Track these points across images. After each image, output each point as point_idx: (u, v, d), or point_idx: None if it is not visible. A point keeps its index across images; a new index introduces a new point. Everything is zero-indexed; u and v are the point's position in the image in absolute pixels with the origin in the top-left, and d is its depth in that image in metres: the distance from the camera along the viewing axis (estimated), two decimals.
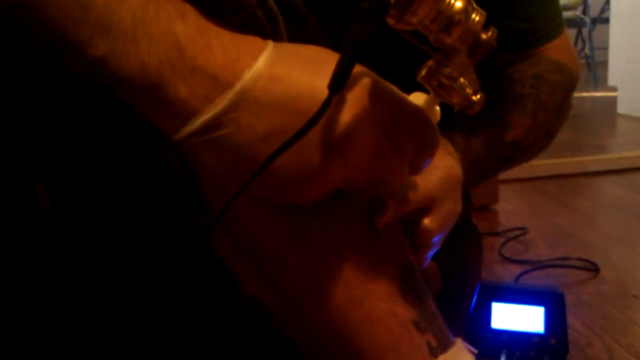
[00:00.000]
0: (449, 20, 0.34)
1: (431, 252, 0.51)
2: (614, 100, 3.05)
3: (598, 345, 0.90)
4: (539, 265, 1.19)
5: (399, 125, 0.36)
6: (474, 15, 0.34)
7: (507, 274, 1.17)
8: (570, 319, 0.96)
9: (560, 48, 0.73)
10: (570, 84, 0.71)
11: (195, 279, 0.53)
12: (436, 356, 0.40)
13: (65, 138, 0.48)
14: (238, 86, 0.33)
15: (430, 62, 0.38)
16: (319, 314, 0.40)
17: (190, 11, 0.34)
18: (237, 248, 0.43)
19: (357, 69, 0.35)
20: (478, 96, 0.39)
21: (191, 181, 0.43)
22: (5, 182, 0.48)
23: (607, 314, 0.99)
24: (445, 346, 0.41)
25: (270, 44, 0.35)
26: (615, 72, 3.07)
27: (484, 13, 0.35)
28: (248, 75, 0.33)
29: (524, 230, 1.38)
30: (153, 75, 0.32)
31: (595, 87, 3.91)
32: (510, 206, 1.57)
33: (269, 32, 0.41)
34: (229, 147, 0.34)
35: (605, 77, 3.26)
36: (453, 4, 0.33)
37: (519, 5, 0.71)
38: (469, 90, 0.39)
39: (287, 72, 0.34)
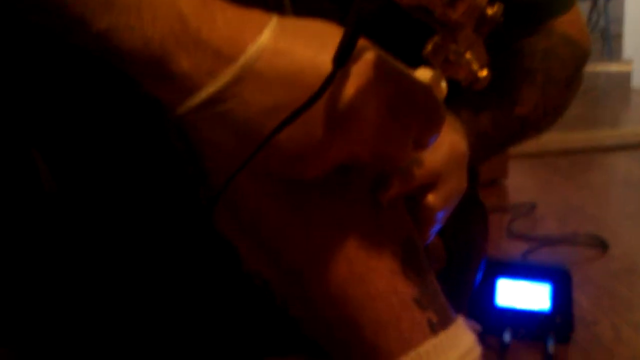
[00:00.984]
0: None
1: (435, 229, 0.51)
2: (628, 74, 3.00)
3: (604, 323, 0.89)
4: (546, 242, 1.19)
5: (404, 100, 0.36)
6: None
7: (514, 250, 1.17)
8: (577, 296, 0.96)
9: (571, 22, 0.71)
10: (581, 58, 0.70)
11: (196, 253, 0.53)
12: (437, 333, 0.40)
13: (66, 112, 0.48)
14: (242, 60, 0.33)
15: (436, 38, 0.37)
16: (320, 290, 0.41)
17: None
18: (238, 223, 0.43)
19: (362, 43, 0.34)
20: (484, 72, 0.38)
21: (193, 156, 0.42)
22: (6, 156, 0.48)
23: (615, 291, 0.99)
24: (446, 323, 0.41)
25: (275, 18, 0.35)
26: (631, 45, 3.02)
27: None
28: (252, 50, 0.33)
29: (532, 206, 1.37)
30: (156, 49, 0.32)
31: (610, 61, 3.85)
32: (519, 181, 1.56)
33: (272, 3, 0.41)
34: (232, 122, 0.34)
35: (619, 50, 3.20)
36: None
37: None
38: (474, 66, 0.38)
39: (291, 46, 0.34)
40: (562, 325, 0.84)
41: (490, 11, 0.34)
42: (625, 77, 3.03)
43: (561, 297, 0.85)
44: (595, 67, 3.71)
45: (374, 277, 0.40)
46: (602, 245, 1.15)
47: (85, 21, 0.31)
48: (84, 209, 0.51)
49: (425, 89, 0.37)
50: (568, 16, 0.71)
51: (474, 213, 0.76)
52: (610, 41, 3.94)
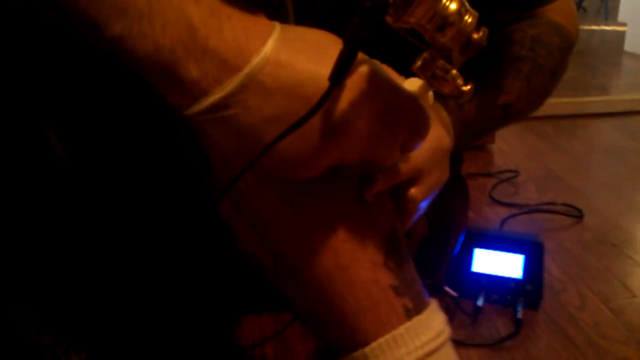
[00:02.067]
0: (444, 21, 0.35)
1: (416, 217, 0.54)
2: (622, 35, 3.00)
3: (572, 292, 0.95)
4: (525, 209, 1.24)
5: (393, 111, 0.39)
6: (466, 17, 0.36)
7: (494, 216, 1.22)
8: (549, 264, 1.02)
9: (561, 9, 0.73)
10: (567, 46, 0.72)
11: (198, 230, 0.57)
12: (411, 317, 0.44)
13: (79, 89, 0.50)
14: (246, 70, 0.35)
15: (425, 54, 0.39)
16: (309, 277, 0.44)
17: None
18: (236, 211, 0.46)
19: (358, 56, 0.36)
20: (468, 86, 0.41)
21: (197, 146, 0.45)
22: (19, 131, 0.50)
23: (585, 261, 1.04)
24: (420, 308, 0.45)
25: (278, 28, 0.37)
26: (626, 7, 3.00)
27: (476, 14, 0.36)
28: (256, 60, 0.35)
29: (515, 173, 1.42)
30: (167, 55, 0.34)
31: (606, 20, 3.83)
32: (505, 147, 1.60)
33: (275, 4, 0.43)
34: (235, 127, 0.36)
35: (616, 14, 3.18)
36: (448, 6, 0.35)
37: None
38: (459, 81, 0.41)
39: (293, 58, 0.36)
40: (532, 292, 0.90)
41: (476, 36, 0.37)
42: (620, 38, 3.03)
43: (533, 267, 0.90)
44: (591, 26, 3.70)
45: (357, 267, 0.44)
46: (577, 215, 1.20)
47: (99, 26, 0.33)
48: (95, 181, 0.54)
49: (413, 100, 0.40)
50: (558, 3, 0.73)
51: (455, 190, 0.80)
52: (607, 2, 3.90)
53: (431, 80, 0.40)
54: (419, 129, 0.41)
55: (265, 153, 0.36)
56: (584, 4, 4.49)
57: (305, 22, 0.43)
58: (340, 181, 0.44)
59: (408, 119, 0.40)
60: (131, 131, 0.54)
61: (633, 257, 1.05)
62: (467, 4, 0.36)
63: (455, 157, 0.66)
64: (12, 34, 0.45)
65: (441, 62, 0.39)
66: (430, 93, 0.45)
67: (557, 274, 1.00)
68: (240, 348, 0.83)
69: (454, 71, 0.40)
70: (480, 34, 0.37)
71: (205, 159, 0.44)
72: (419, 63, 0.40)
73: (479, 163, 1.49)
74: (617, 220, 1.19)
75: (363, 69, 0.37)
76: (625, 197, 1.30)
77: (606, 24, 3.69)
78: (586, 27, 3.71)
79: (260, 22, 0.37)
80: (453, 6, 0.35)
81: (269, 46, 0.35)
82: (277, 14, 0.44)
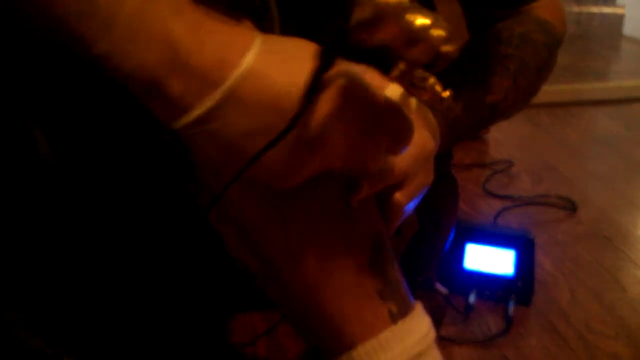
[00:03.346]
0: (410, 36, 0.35)
1: (402, 219, 0.54)
2: (621, 18, 2.98)
3: (563, 287, 0.96)
4: (518, 202, 1.24)
5: (375, 121, 0.39)
6: (433, 31, 0.35)
7: (488, 209, 1.22)
8: (541, 258, 1.02)
9: (549, 7, 0.72)
10: (554, 44, 0.72)
11: (186, 231, 0.57)
12: (396, 322, 0.45)
13: (66, 87, 0.50)
14: (226, 85, 0.35)
15: (400, 65, 0.39)
16: (295, 282, 0.45)
17: (186, 6, 0.36)
18: (222, 215, 0.46)
19: (337, 65, 0.37)
20: (447, 92, 0.40)
21: (184, 154, 0.45)
22: (4, 129, 0.50)
23: (577, 255, 1.04)
24: (405, 312, 0.46)
25: (258, 41, 0.37)
26: None
27: (447, 26, 0.36)
28: (234, 75, 0.35)
29: (509, 163, 1.42)
30: (151, 72, 0.35)
31: (605, 2, 3.79)
32: (500, 136, 1.59)
33: (259, 8, 0.43)
34: (217, 140, 0.37)
35: None
36: (413, 22, 0.35)
37: None
38: (438, 88, 0.40)
39: (271, 71, 0.36)
40: (524, 289, 0.91)
41: (445, 49, 0.36)
42: (618, 21, 3.01)
43: (524, 263, 0.90)
44: (590, 8, 3.67)
45: (342, 272, 0.44)
46: (571, 208, 1.20)
47: (86, 45, 0.33)
48: (82, 181, 0.54)
49: (394, 108, 0.40)
50: (546, 0, 0.72)
51: (445, 188, 0.80)
52: None
53: (409, 88, 0.40)
54: (402, 136, 0.41)
55: (248, 166, 0.37)
56: None
57: (290, 25, 0.44)
58: (325, 187, 0.44)
59: (390, 127, 0.40)
60: (118, 131, 0.54)
61: (625, 251, 1.05)
62: (438, 17, 0.35)
63: (444, 155, 0.66)
64: None
65: (419, 70, 0.39)
66: (413, 100, 0.45)
67: (549, 268, 1.00)
68: (232, 346, 0.84)
69: (432, 79, 0.40)
70: (449, 47, 0.37)
71: (191, 164, 0.44)
72: (395, 73, 0.39)
73: (473, 154, 1.48)
74: (610, 213, 1.19)
75: (339, 81, 0.37)
76: (618, 189, 1.30)
77: (606, 6, 3.66)
78: (585, 10, 3.68)
79: (240, 35, 0.37)
80: (419, 21, 0.35)
81: (247, 60, 0.36)
82: (262, 19, 0.43)
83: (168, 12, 0.35)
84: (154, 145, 0.52)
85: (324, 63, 0.35)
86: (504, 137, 1.59)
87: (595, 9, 3.63)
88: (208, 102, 0.35)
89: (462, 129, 0.65)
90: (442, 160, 0.64)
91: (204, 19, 0.36)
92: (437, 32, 0.35)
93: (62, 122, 0.52)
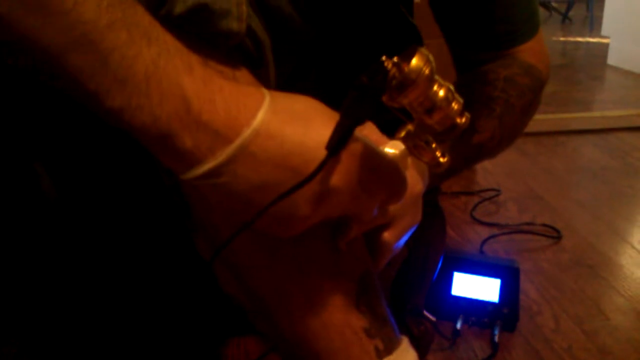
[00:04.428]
0: (433, 105, 0.38)
1: (390, 258, 0.57)
2: (606, 48, 3.05)
3: (547, 314, 0.99)
4: (505, 230, 1.27)
5: (374, 177, 0.42)
6: (454, 104, 0.39)
7: (475, 236, 1.25)
8: (526, 286, 1.05)
9: (533, 50, 0.76)
10: (538, 86, 0.75)
11: (181, 270, 0.59)
12: (382, 358, 0.47)
13: (67, 123, 0.52)
14: (237, 142, 0.37)
15: (409, 127, 0.43)
16: (284, 320, 0.47)
17: (196, 63, 0.38)
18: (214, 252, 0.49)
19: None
20: (445, 158, 0.44)
21: (179, 192, 0.48)
22: (7, 164, 0.52)
23: (561, 283, 1.08)
24: (391, 349, 0.48)
25: (267, 99, 0.39)
26: (610, 20, 3.06)
27: (462, 101, 0.39)
28: (247, 133, 0.37)
29: (497, 191, 1.46)
30: (163, 126, 0.36)
31: (591, 31, 3.89)
32: (488, 164, 1.64)
33: (255, 57, 0.46)
34: (226, 193, 0.39)
35: (600, 28, 3.24)
36: (438, 92, 0.38)
37: (500, 8, 0.74)
38: (438, 153, 0.44)
39: (281, 130, 0.38)
40: (509, 315, 0.94)
41: (459, 121, 0.40)
42: (604, 51, 3.08)
43: (509, 291, 0.94)
44: (576, 38, 3.76)
45: (330, 311, 0.46)
46: (555, 236, 1.24)
47: (99, 98, 0.35)
48: (84, 216, 0.57)
49: (394, 168, 0.43)
50: (531, 44, 0.77)
51: (433, 219, 0.83)
52: (593, 11, 3.96)
53: (412, 149, 0.43)
54: (396, 193, 0.44)
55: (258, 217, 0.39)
56: (570, 14, 4.55)
57: (283, 69, 0.47)
58: (314, 229, 0.47)
59: (388, 184, 0.43)
60: (120, 170, 0.56)
61: (607, 279, 1.09)
62: (455, 92, 0.39)
63: (432, 189, 0.69)
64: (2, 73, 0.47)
65: (424, 136, 0.42)
66: (409, 159, 0.48)
67: (533, 296, 1.04)
68: None
69: (434, 144, 0.43)
70: (464, 119, 0.40)
71: (187, 204, 0.47)
72: (402, 134, 0.43)
73: (461, 181, 1.52)
74: (594, 241, 1.23)
75: (354, 147, 0.40)
76: (602, 218, 1.34)
77: (591, 36, 3.75)
78: (571, 39, 3.77)
79: (250, 94, 0.39)
80: (442, 93, 0.38)
81: (258, 119, 0.38)
82: (258, 67, 0.46)
83: (180, 68, 0.36)
84: (153, 182, 0.55)
85: (352, 121, 0.38)
86: (491, 166, 1.63)
87: (580, 39, 3.72)
88: (219, 158, 0.37)
89: (449, 168, 0.69)
90: (430, 192, 0.67)
91: (213, 75, 0.38)
92: (455, 105, 0.39)
93: (65, 158, 0.55)
